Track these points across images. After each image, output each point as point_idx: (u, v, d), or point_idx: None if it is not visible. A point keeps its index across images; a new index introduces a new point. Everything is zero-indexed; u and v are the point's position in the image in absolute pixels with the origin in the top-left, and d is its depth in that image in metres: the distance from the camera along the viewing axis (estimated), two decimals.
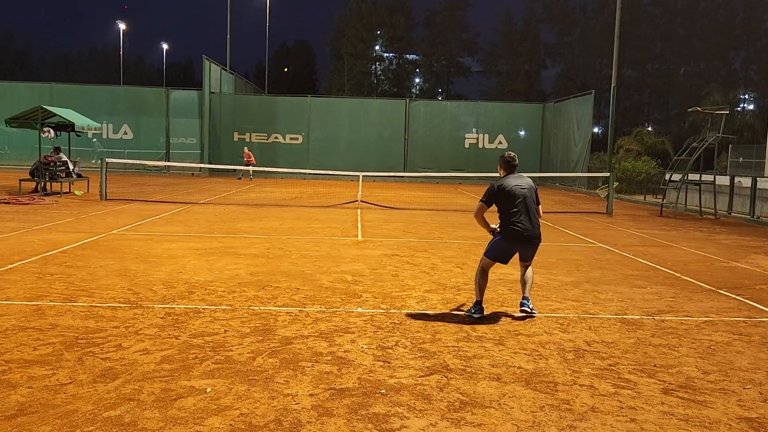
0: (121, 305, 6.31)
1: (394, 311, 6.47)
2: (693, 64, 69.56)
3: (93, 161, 29.73)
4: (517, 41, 72.10)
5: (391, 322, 6.04)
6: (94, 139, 28.76)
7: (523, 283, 6.71)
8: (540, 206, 6.79)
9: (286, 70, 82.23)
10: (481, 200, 6.55)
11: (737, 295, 7.84)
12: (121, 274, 7.83)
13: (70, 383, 4.24)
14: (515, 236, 6.49)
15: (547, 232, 13.61)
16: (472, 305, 6.48)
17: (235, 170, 31.73)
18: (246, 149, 31.76)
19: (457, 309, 6.67)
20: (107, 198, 17.43)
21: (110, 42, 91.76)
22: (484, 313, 6.37)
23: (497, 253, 6.62)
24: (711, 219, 18.13)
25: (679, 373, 4.90)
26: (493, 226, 6.64)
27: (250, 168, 29.26)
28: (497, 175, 6.85)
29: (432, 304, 6.86)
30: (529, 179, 6.72)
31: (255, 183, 28.89)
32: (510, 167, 6.69)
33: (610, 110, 29.30)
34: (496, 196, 6.50)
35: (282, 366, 4.73)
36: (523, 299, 6.57)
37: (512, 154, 6.87)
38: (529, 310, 6.45)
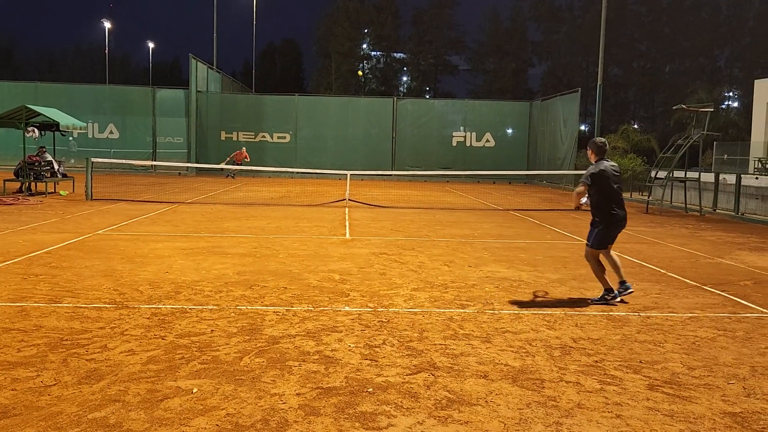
0: (107, 306, 6.27)
1: (381, 310, 6.47)
2: (678, 62, 70.06)
3: (71, 161, 29.50)
4: (504, 39, 72.30)
5: (379, 321, 6.05)
6: (70, 138, 28.53)
7: (618, 267, 7.16)
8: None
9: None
10: (583, 181, 6.90)
11: (722, 291, 7.90)
12: (107, 274, 7.78)
13: (54, 385, 4.21)
14: (615, 222, 6.96)
15: (534, 230, 13.68)
16: (603, 294, 6.97)
17: (222, 169, 31.53)
18: (244, 149, 31.59)
19: (445, 306, 6.68)
20: (93, 198, 17.31)
21: (96, 41, 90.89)
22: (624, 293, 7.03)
23: (603, 241, 7.03)
24: (696, 216, 18.27)
25: (664, 369, 4.93)
26: (583, 200, 7.03)
27: (234, 167, 29.23)
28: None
29: (419, 302, 6.86)
30: (616, 164, 7.19)
31: (242, 182, 28.78)
32: (602, 152, 7.10)
33: (596, 108, 29.44)
34: (598, 179, 6.85)
35: (269, 365, 4.72)
36: (624, 283, 7.09)
37: (603, 139, 7.28)
38: (632, 289, 7.10)
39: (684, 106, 20.89)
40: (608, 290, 7.00)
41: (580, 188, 6.96)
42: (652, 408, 4.15)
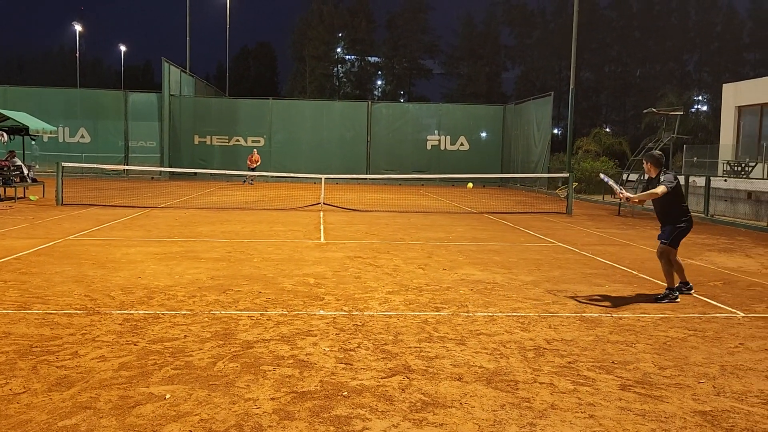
0: (78, 312, 6.18)
1: (356, 313, 6.47)
2: (649, 66, 71.15)
3: (35, 165, 29.01)
4: (477, 44, 72.78)
5: (354, 324, 6.04)
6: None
7: (682, 268, 7.69)
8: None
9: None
10: (668, 186, 7.24)
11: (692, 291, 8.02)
12: (78, 280, 7.67)
13: (23, 392, 4.14)
14: (691, 225, 7.52)
15: (508, 232, 13.77)
16: (667, 292, 7.43)
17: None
18: (255, 152, 31.24)
19: (420, 309, 6.69)
20: (64, 203, 17.06)
21: (66, 44, 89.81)
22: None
23: (680, 241, 7.51)
24: None
25: (636, 369, 4.99)
26: (629, 195, 7.58)
27: (250, 173, 29.08)
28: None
29: (394, 305, 6.87)
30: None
31: (216, 186, 28.56)
32: (661, 165, 7.56)
33: (568, 111, 29.74)
34: (676, 187, 7.35)
35: (243, 370, 4.69)
36: (687, 284, 7.78)
37: (660, 153, 7.81)
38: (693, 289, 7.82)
39: (654, 110, 21.24)
40: (671, 289, 7.44)
41: (661, 191, 7.27)
42: (624, 408, 4.19)
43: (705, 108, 63.99)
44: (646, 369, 4.99)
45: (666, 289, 7.49)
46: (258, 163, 30.55)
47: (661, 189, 7.25)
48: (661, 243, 7.49)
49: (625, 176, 20.64)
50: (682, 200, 7.54)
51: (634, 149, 28.05)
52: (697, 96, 66.30)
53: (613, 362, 5.13)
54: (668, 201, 7.39)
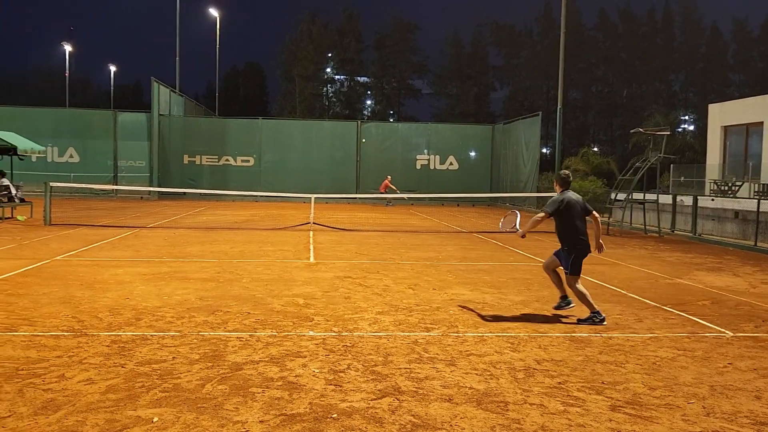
0: (65, 334, 6.13)
1: (346, 334, 6.45)
2: (635, 86, 71.89)
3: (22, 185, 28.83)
4: (466, 64, 73.31)
5: (343, 345, 6.02)
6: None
7: (562, 282, 7.69)
8: (594, 212, 7.74)
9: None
10: (546, 210, 7.37)
11: (681, 311, 8.06)
12: (65, 301, 7.61)
13: (9, 416, 4.09)
14: (585, 249, 7.41)
15: (497, 252, 13.79)
16: (590, 316, 7.22)
17: (385, 198, 32.01)
18: (387, 178, 32.38)
19: (410, 330, 6.67)
20: (52, 223, 16.96)
21: (55, 64, 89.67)
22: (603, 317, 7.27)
23: (579, 268, 7.43)
24: (655, 237, 18.64)
25: (626, 389, 4.99)
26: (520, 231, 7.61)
27: (391, 196, 30.08)
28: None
29: (384, 326, 6.85)
30: (579, 195, 7.57)
31: (205, 206, 28.46)
32: (566, 184, 7.56)
33: (557, 131, 29.96)
34: (562, 209, 7.30)
35: (232, 392, 4.65)
36: (565, 297, 7.69)
37: (567, 172, 7.75)
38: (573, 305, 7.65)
39: (641, 130, 21.42)
40: (595, 313, 7.24)
41: (540, 215, 7.40)
42: (614, 429, 4.19)
43: (691, 128, 64.66)
44: (636, 389, 5.00)
45: (591, 313, 7.27)
46: (391, 188, 31.70)
47: (540, 215, 7.39)
48: (565, 274, 7.50)
49: (613, 196, 20.76)
50: (574, 223, 7.37)
51: (622, 168, 28.24)
52: (684, 116, 67.01)
53: (603, 382, 5.14)
54: (561, 223, 7.42)
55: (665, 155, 20.21)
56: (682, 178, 31.23)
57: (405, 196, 30.40)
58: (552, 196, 7.66)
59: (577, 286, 7.36)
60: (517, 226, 7.78)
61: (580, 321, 7.28)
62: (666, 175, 32.98)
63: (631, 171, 20.33)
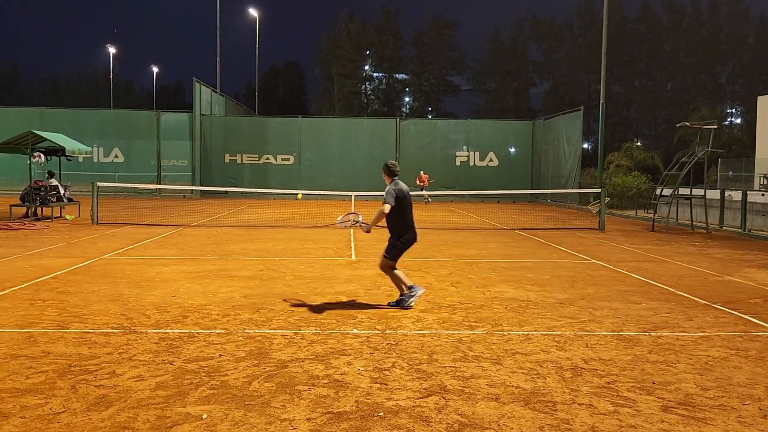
0: (115, 331, 6.25)
1: (389, 332, 6.44)
2: (680, 79, 70.26)
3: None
4: (505, 59, 72.63)
5: (387, 343, 6.01)
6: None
7: (400, 278, 7.66)
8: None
9: None
10: (389, 202, 7.38)
11: (732, 309, 7.84)
12: (114, 299, 7.77)
13: (63, 412, 4.18)
14: (414, 238, 7.64)
15: (540, 249, 13.63)
16: (400, 299, 7.49)
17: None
18: (422, 173, 32.09)
19: (454, 328, 6.63)
20: (99, 222, 17.34)
21: (100, 66, 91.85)
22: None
23: (399, 254, 7.60)
24: (702, 233, 18.21)
25: (677, 389, 4.88)
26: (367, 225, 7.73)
27: (426, 193, 29.76)
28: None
29: (428, 324, 6.82)
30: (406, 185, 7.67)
31: (247, 204, 28.76)
32: (394, 174, 7.66)
33: (599, 126, 29.49)
34: (399, 199, 7.39)
35: (278, 390, 4.68)
36: (414, 287, 7.63)
37: (394, 161, 7.84)
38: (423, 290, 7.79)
39: (688, 124, 20.93)
40: (407, 292, 7.51)
41: (386, 207, 7.39)
42: (667, 430, 4.09)
43: (739, 121, 62.99)
44: (688, 390, 4.87)
45: (400, 294, 7.56)
46: (424, 184, 31.42)
47: (386, 208, 7.36)
48: (383, 256, 7.61)
49: (658, 191, 20.33)
50: (405, 213, 7.53)
51: (667, 164, 27.68)
52: (731, 109, 65.33)
53: (653, 382, 5.02)
54: (392, 213, 7.48)
55: (712, 149, 19.72)
56: (730, 173, 30.50)
57: (426, 193, 29.96)
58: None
59: (394, 271, 7.55)
60: (361, 222, 7.97)
61: (390, 304, 7.58)
62: (713, 169, 32.22)
63: (677, 166, 19.89)
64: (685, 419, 4.28)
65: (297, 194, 30.45)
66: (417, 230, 7.83)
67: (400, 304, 7.50)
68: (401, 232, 7.55)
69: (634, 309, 7.74)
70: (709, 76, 69.61)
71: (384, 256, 7.60)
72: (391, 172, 7.68)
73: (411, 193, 7.82)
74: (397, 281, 7.56)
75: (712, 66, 69.22)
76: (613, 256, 12.72)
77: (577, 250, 13.43)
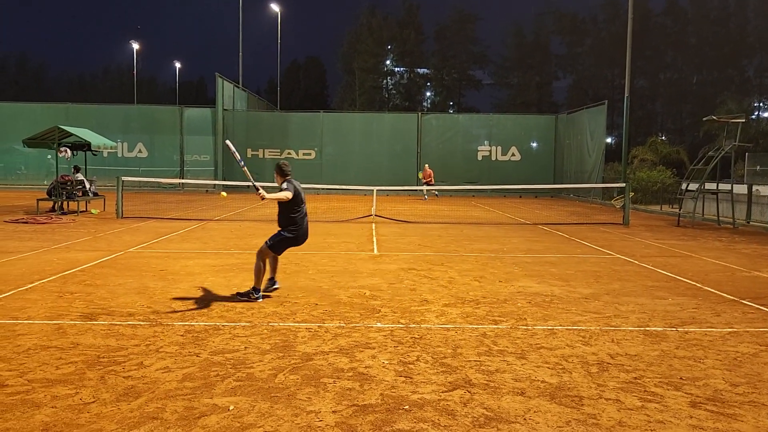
0: (141, 323, 6.32)
1: (413, 326, 6.44)
2: (706, 72, 69.27)
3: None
4: (527, 53, 72.15)
5: (411, 337, 6.01)
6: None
7: (276, 269, 7.97)
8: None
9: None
10: (289, 193, 7.39)
11: (761, 305, 7.73)
12: (140, 291, 7.85)
13: (93, 402, 4.24)
14: (302, 237, 7.67)
15: (564, 244, 13.54)
16: (251, 290, 7.47)
17: (423, 191, 30.96)
18: (426, 167, 31.58)
19: (477, 322, 6.61)
20: (123, 216, 17.53)
21: (123, 62, 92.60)
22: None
23: (283, 248, 7.70)
24: (729, 228, 17.96)
25: (706, 385, 4.82)
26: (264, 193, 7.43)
27: (426, 188, 28.84)
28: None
29: (451, 318, 6.81)
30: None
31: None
32: (286, 174, 7.66)
33: (623, 120, 29.17)
34: (293, 197, 7.44)
35: (304, 382, 4.70)
36: (272, 279, 7.87)
37: (284, 161, 7.89)
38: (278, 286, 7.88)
39: (714, 117, 20.62)
40: (257, 290, 7.47)
41: (288, 194, 7.38)
42: (696, 426, 4.05)
43: (767, 114, 61.95)
44: (716, 386, 4.82)
45: (252, 288, 7.50)
46: (427, 180, 30.87)
47: (285, 194, 7.36)
48: (265, 243, 7.56)
49: (684, 186, 20.08)
50: (294, 210, 7.55)
51: (693, 158, 27.35)
52: (758, 102, 64.27)
53: (681, 378, 4.97)
54: (286, 208, 7.53)
55: (740, 143, 19.42)
56: (758, 167, 30.03)
57: (425, 188, 28.92)
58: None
59: (265, 261, 7.54)
60: (256, 185, 7.82)
61: (239, 294, 7.57)
62: (740, 164, 31.74)
63: (703, 160, 19.62)
64: (714, 415, 4.23)
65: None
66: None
67: (248, 296, 7.46)
68: (289, 227, 7.58)
69: (661, 304, 7.66)
70: (735, 69, 68.51)
71: (266, 242, 7.60)
72: (282, 172, 7.68)
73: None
74: (259, 274, 7.47)
75: (739, 59, 68.11)
76: (638, 251, 12.59)
77: (602, 245, 13.32)
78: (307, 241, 7.87)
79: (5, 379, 4.65)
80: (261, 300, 7.44)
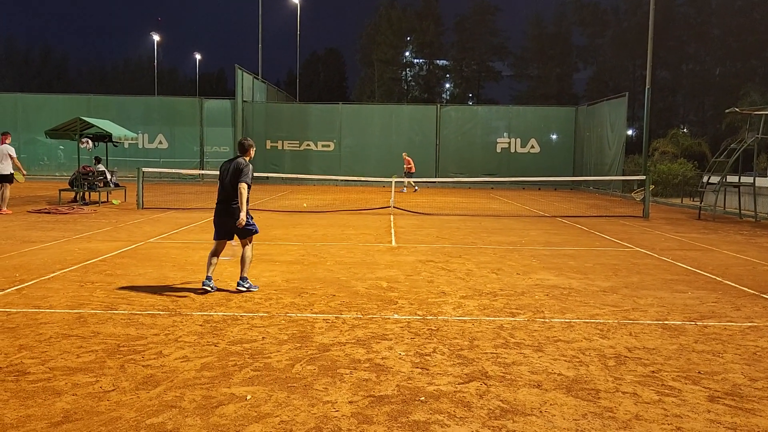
0: (161, 313, 6.39)
1: (430, 318, 6.45)
2: (729, 64, 68.21)
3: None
4: (547, 44, 71.50)
5: (428, 329, 6.02)
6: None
7: (241, 262, 7.56)
8: (241, 183, 7.31)
9: None
10: (249, 182, 7.37)
11: None
12: (160, 281, 7.93)
13: (113, 390, 4.30)
14: (217, 212, 7.53)
15: (582, 236, 13.46)
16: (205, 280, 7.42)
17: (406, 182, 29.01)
18: (405, 155, 30.10)
19: (495, 315, 6.61)
20: (144, 207, 17.70)
21: (144, 54, 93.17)
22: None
23: (215, 229, 7.64)
24: (751, 222, 17.74)
25: (724, 380, 4.78)
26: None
27: (407, 180, 27.73)
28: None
29: (468, 310, 6.81)
30: (241, 160, 7.47)
31: (288, 190, 28.99)
32: (245, 151, 7.58)
33: (644, 112, 28.86)
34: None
35: (320, 373, 4.73)
36: (240, 279, 7.49)
37: (248, 139, 7.79)
38: (244, 289, 7.39)
39: (737, 110, 20.34)
40: (210, 278, 7.44)
41: (247, 189, 7.36)
42: (713, 420, 4.02)
43: None
44: (735, 380, 4.78)
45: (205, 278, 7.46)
46: (409, 165, 29.26)
47: (246, 188, 7.30)
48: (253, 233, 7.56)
49: (705, 179, 19.85)
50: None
51: (715, 150, 27.00)
52: None
53: (699, 372, 4.94)
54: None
55: (763, 136, 19.14)
56: None
57: (405, 180, 27.71)
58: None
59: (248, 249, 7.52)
60: (233, 243, 7.77)
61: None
62: (763, 156, 31.29)
63: (725, 153, 19.37)
64: (733, 410, 4.20)
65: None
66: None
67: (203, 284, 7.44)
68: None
69: (680, 298, 7.60)
70: (759, 60, 67.38)
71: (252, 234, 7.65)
72: (242, 150, 7.60)
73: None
74: (244, 263, 7.48)
75: (764, 50, 66.98)
76: (658, 244, 12.49)
77: (621, 238, 13.22)
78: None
79: (27, 367, 4.74)
80: (207, 288, 7.36)
